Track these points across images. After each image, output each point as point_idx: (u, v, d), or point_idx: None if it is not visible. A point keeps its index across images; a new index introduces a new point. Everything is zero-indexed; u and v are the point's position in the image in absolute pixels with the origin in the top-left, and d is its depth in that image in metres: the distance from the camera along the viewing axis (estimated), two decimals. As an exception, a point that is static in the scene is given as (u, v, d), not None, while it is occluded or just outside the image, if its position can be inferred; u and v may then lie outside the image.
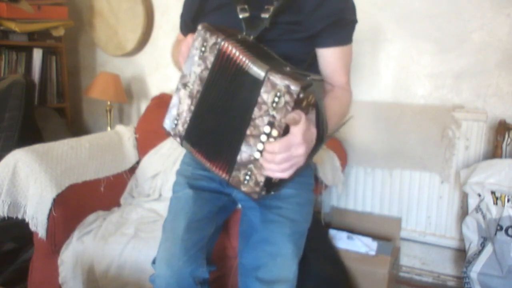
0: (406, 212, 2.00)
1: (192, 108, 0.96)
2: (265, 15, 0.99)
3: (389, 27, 1.97)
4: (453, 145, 1.85)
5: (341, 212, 2.11)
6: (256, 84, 0.84)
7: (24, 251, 1.85)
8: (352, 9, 1.05)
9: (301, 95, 0.80)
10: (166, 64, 2.45)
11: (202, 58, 0.92)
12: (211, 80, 0.92)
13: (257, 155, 0.86)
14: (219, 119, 0.93)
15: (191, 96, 0.95)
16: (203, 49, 0.91)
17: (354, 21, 1.06)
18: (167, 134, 1.04)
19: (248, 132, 0.86)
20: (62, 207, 1.54)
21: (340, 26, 1.03)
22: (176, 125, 0.99)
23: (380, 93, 2.04)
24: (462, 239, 1.85)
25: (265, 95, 0.83)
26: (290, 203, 1.10)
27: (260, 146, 0.85)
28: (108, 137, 1.91)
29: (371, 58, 2.03)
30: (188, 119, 0.97)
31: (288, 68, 0.86)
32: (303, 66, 1.04)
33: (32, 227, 1.49)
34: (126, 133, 1.98)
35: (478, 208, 1.72)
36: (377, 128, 1.96)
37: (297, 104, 0.81)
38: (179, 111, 0.98)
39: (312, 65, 1.09)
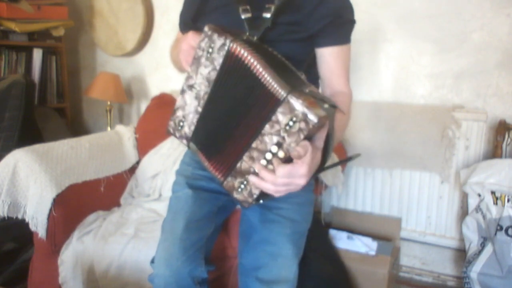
0: (406, 212, 2.00)
1: (199, 109, 0.95)
2: (267, 15, 0.99)
3: (389, 27, 1.97)
4: (453, 145, 1.85)
5: (341, 212, 2.11)
6: (273, 101, 0.83)
7: (24, 251, 1.85)
8: (350, 9, 1.05)
9: (317, 125, 0.79)
10: (166, 64, 2.45)
11: (210, 59, 0.91)
12: (220, 81, 0.91)
13: (257, 168, 0.85)
14: (226, 121, 0.92)
15: (198, 97, 0.95)
16: (210, 50, 0.90)
17: (352, 21, 1.06)
18: (172, 135, 1.03)
19: (254, 144, 0.86)
20: (62, 207, 1.54)
21: (338, 26, 1.03)
22: (182, 127, 0.99)
23: (380, 93, 2.04)
24: (462, 239, 1.85)
25: (281, 116, 0.81)
26: (290, 203, 1.10)
27: (263, 162, 0.85)
28: (108, 137, 1.91)
29: (371, 58, 2.03)
30: (195, 120, 0.97)
31: (307, 89, 0.84)
32: (303, 67, 1.04)
33: (32, 227, 1.49)
34: (126, 133, 1.98)
35: (478, 208, 1.72)
36: (377, 128, 1.97)
37: (311, 133, 0.80)
38: (185, 113, 0.97)
39: (312, 66, 1.09)
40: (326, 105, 0.82)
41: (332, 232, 1.84)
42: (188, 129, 0.98)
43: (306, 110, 0.78)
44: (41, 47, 2.42)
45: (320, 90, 1.12)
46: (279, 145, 0.82)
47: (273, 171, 0.82)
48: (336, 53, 1.05)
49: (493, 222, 1.64)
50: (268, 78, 0.83)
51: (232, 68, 0.89)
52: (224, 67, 0.90)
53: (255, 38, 0.97)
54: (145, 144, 1.97)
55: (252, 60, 0.85)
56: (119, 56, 2.60)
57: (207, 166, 0.97)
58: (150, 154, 1.93)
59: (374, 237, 1.85)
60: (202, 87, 0.93)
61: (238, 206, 1.25)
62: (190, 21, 1.13)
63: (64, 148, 1.64)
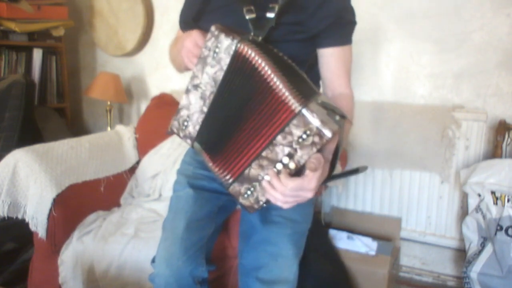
0: (406, 212, 2.00)
1: (205, 109, 0.95)
2: (271, 14, 0.98)
3: (389, 27, 1.97)
4: (453, 145, 1.85)
5: (341, 212, 2.11)
6: (286, 112, 0.83)
7: (24, 251, 1.85)
8: (351, 10, 1.06)
9: (330, 140, 0.80)
10: (166, 64, 2.44)
11: (216, 59, 0.90)
12: (227, 81, 0.91)
13: (267, 177, 0.86)
14: (232, 123, 0.92)
15: (203, 97, 0.94)
16: (216, 50, 0.90)
17: (353, 22, 1.06)
18: (169, 133, 1.03)
19: (264, 153, 0.86)
20: (62, 207, 1.54)
21: (340, 26, 1.03)
22: (186, 126, 0.99)
23: (380, 93, 2.04)
24: (462, 239, 1.85)
25: (294, 128, 0.82)
26: (291, 203, 1.10)
27: (271, 173, 0.85)
28: (108, 137, 1.91)
29: (371, 58, 2.03)
30: (200, 120, 0.96)
31: (319, 100, 0.84)
32: (304, 68, 1.04)
33: (32, 227, 1.50)
34: (126, 133, 1.98)
35: (478, 208, 1.72)
36: (377, 128, 1.97)
37: (324, 146, 0.81)
38: (190, 113, 0.97)
39: (313, 66, 1.09)
40: (337, 117, 0.82)
41: (332, 232, 1.84)
42: (192, 129, 0.98)
43: (320, 125, 0.79)
44: (41, 47, 2.42)
45: (321, 91, 1.12)
46: (291, 156, 0.83)
47: (282, 184, 0.83)
48: (338, 53, 1.05)
49: (493, 222, 1.64)
50: (279, 85, 0.83)
51: (239, 69, 0.89)
52: (231, 68, 0.90)
53: (260, 38, 0.97)
54: (145, 144, 1.97)
55: (260, 61, 0.85)
56: (119, 56, 2.60)
57: (211, 168, 0.97)
58: (150, 154, 1.93)
59: (374, 237, 1.85)
60: (208, 87, 0.93)
61: (239, 206, 1.25)
62: (191, 20, 1.13)
63: (64, 148, 1.64)
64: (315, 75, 1.10)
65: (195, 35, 0.95)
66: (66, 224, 1.56)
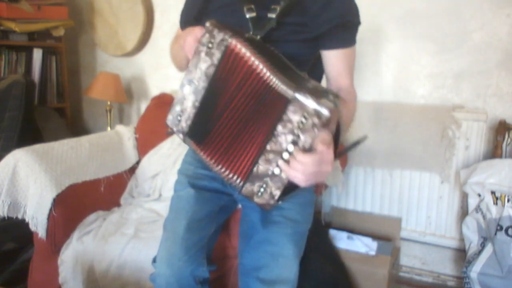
0: (406, 212, 2.00)
1: (197, 104, 0.96)
2: (272, 15, 0.99)
3: (389, 27, 1.97)
4: (453, 145, 1.85)
5: (341, 212, 2.11)
6: (281, 100, 0.83)
7: (24, 251, 1.85)
8: (356, 11, 1.05)
9: (329, 118, 0.80)
10: (166, 64, 2.45)
11: (209, 54, 0.91)
12: (218, 77, 0.92)
13: (276, 170, 0.86)
14: (228, 121, 0.92)
15: (196, 92, 0.95)
16: (210, 45, 0.91)
17: (358, 23, 1.06)
18: (169, 133, 1.04)
19: (268, 147, 0.86)
20: (62, 207, 1.54)
21: (345, 28, 1.03)
22: (179, 121, 0.99)
23: (380, 93, 2.04)
24: (462, 239, 1.85)
25: (292, 114, 0.82)
26: (291, 203, 1.10)
27: (281, 162, 0.85)
28: (108, 137, 1.91)
29: (371, 58, 2.03)
30: (192, 115, 0.97)
31: (310, 84, 0.85)
32: (306, 67, 1.04)
33: (32, 227, 1.49)
34: (126, 133, 1.98)
35: (478, 208, 1.72)
36: (377, 128, 1.97)
37: (324, 126, 0.81)
38: (183, 107, 0.98)
39: (316, 66, 1.09)
40: (331, 96, 0.83)
41: (332, 232, 1.84)
42: (185, 124, 0.98)
43: (317, 107, 0.80)
44: (41, 47, 2.42)
45: None
46: (295, 143, 0.83)
47: (301, 163, 0.82)
48: (342, 55, 1.05)
49: (493, 222, 1.64)
50: (271, 77, 0.84)
51: (230, 64, 0.89)
52: (222, 63, 0.90)
53: (258, 37, 0.97)
54: (145, 144, 1.97)
55: (250, 56, 0.86)
56: (119, 56, 2.60)
57: (217, 171, 0.96)
58: (150, 154, 1.93)
59: (374, 237, 1.85)
60: (201, 82, 0.94)
61: (239, 206, 1.25)
62: (193, 19, 1.13)
63: (64, 148, 1.64)
64: (316, 75, 1.10)
65: (197, 31, 0.95)
66: (66, 224, 1.56)
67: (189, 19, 1.17)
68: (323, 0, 0.99)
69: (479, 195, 1.71)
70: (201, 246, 1.10)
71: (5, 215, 1.48)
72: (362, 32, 1.09)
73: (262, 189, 0.89)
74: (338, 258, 1.73)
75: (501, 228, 1.61)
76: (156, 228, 1.52)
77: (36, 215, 1.49)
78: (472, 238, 1.73)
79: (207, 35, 0.91)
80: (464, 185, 1.75)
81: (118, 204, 1.83)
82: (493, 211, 1.65)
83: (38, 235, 1.51)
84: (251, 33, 0.98)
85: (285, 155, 0.84)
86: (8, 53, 2.30)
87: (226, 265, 1.40)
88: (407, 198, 1.99)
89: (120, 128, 2.01)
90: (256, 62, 0.86)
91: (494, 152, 1.77)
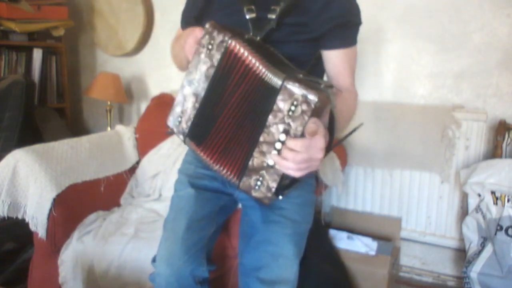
0: (406, 212, 2.00)
1: (197, 105, 0.96)
2: (272, 16, 0.99)
3: (389, 27, 1.97)
4: (453, 145, 1.85)
5: (341, 212, 2.11)
6: (271, 91, 0.84)
7: (24, 251, 1.85)
8: (357, 11, 1.05)
9: (318, 104, 0.80)
10: (166, 64, 2.45)
11: (209, 55, 0.92)
12: (217, 78, 0.92)
13: (270, 162, 0.86)
14: (227, 120, 0.92)
15: (196, 93, 0.96)
16: (210, 46, 0.91)
17: (359, 23, 1.06)
18: (169, 133, 1.04)
19: (261, 138, 0.86)
20: (62, 207, 1.54)
21: (346, 28, 1.03)
22: (180, 122, 0.99)
23: (380, 93, 2.04)
24: (462, 239, 1.85)
25: (281, 103, 0.83)
26: (291, 203, 1.10)
27: (274, 152, 0.85)
28: (108, 137, 1.91)
29: (371, 58, 2.03)
30: (192, 116, 0.97)
31: (301, 75, 0.86)
32: (307, 67, 1.04)
33: (32, 227, 1.49)
34: (126, 133, 1.98)
35: (478, 208, 1.72)
36: (377, 128, 1.97)
37: (314, 113, 0.81)
38: (184, 108, 0.98)
39: (316, 66, 1.09)
40: (322, 86, 0.84)
41: (332, 232, 1.84)
42: (185, 125, 0.99)
43: (304, 92, 0.80)
44: (41, 47, 2.42)
45: None
46: (286, 132, 0.83)
47: (292, 150, 0.82)
48: (343, 55, 1.05)
49: (493, 222, 1.64)
50: (263, 70, 0.85)
51: (230, 65, 0.90)
52: (221, 64, 0.91)
53: (258, 38, 0.97)
54: (145, 144, 1.97)
55: (248, 56, 0.86)
56: (119, 56, 2.60)
57: (216, 170, 0.96)
58: (150, 154, 1.93)
59: (374, 237, 1.85)
60: (201, 83, 0.94)
61: (239, 206, 1.25)
62: (193, 20, 1.13)
63: (64, 148, 1.64)
64: (316, 75, 1.10)
65: (197, 32, 0.95)
66: (66, 224, 1.56)
67: (189, 19, 1.17)
68: (323, 0, 0.99)
69: (479, 195, 1.71)
70: (201, 246, 1.10)
71: (5, 215, 1.48)
72: (362, 32, 1.09)
73: (259, 182, 0.89)
74: (338, 258, 1.73)
75: (501, 228, 1.61)
76: (156, 228, 1.52)
77: (36, 215, 1.49)
78: (472, 238, 1.73)
79: (207, 36, 0.92)
80: (464, 185, 1.75)
81: (118, 204, 1.83)
82: (493, 211, 1.65)
83: (38, 235, 1.51)
84: (251, 34, 0.98)
85: (278, 145, 0.84)
86: (8, 53, 2.30)
87: (226, 265, 1.40)
88: (407, 198, 1.99)
89: (120, 128, 2.01)
90: (253, 61, 0.86)
91: (494, 152, 1.77)
